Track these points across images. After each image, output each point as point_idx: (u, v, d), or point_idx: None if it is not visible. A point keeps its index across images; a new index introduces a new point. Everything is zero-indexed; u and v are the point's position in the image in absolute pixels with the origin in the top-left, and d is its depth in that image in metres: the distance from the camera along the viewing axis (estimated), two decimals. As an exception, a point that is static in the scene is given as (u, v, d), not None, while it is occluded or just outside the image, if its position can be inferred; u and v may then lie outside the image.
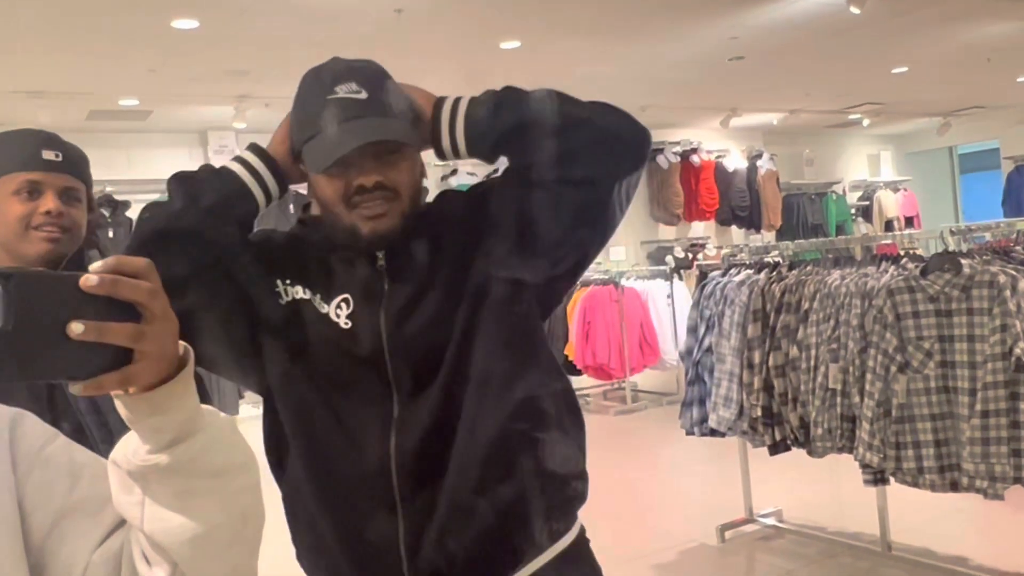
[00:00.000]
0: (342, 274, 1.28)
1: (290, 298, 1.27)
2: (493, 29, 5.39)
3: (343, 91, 1.19)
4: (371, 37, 5.22)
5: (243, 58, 5.35)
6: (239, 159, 1.31)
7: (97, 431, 1.32)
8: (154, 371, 0.72)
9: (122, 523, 0.82)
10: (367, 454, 1.22)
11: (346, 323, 1.25)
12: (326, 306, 1.26)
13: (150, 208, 1.27)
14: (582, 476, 1.33)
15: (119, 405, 0.74)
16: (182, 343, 0.76)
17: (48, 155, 1.42)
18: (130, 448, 0.76)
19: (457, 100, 1.28)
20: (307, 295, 1.27)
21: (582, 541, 1.35)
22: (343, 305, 1.25)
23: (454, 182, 8.51)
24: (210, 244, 1.23)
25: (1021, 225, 3.20)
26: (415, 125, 1.26)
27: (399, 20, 4.95)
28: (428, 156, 1.33)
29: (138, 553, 0.79)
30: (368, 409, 1.24)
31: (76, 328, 0.65)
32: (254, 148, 1.31)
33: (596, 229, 1.31)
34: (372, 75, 1.23)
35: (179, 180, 1.27)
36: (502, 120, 1.26)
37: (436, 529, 1.21)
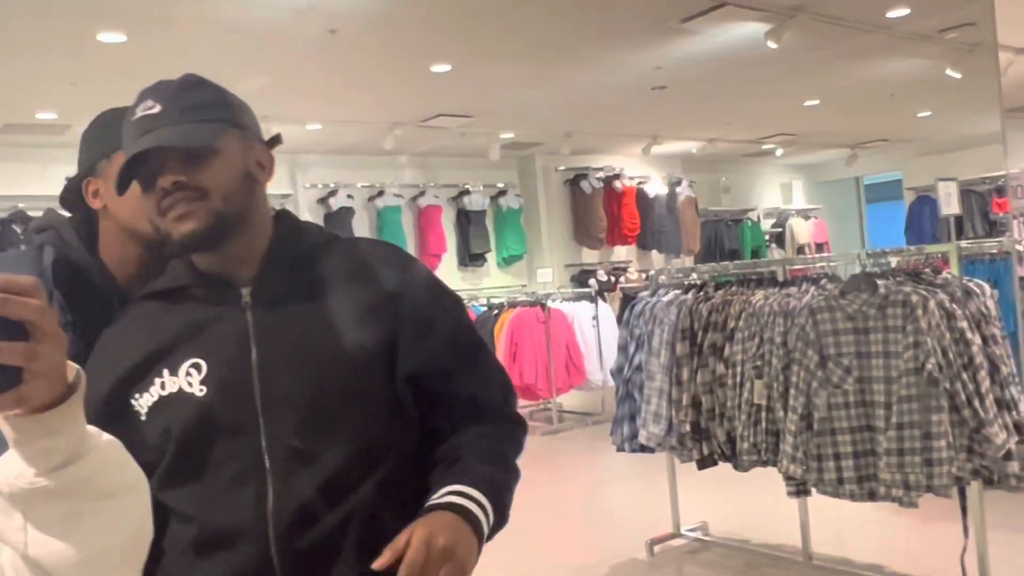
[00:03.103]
0: (187, 330, 1.18)
1: (154, 397, 1.16)
2: (424, 52, 5.45)
3: (140, 111, 1.17)
4: (304, 56, 5.22)
5: (171, 74, 5.24)
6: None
7: None
8: (46, 391, 0.70)
9: None
10: (244, 548, 1.10)
11: (201, 389, 1.13)
12: (175, 380, 1.14)
13: None
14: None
15: (4, 427, 0.72)
16: (72, 364, 0.74)
17: None
18: (12, 471, 0.73)
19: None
20: (160, 383, 1.16)
21: None
22: (192, 371, 1.15)
23: (380, 204, 8.51)
24: None
25: (930, 249, 3.40)
26: (226, 124, 1.19)
27: (332, 40, 4.96)
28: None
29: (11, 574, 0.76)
30: (235, 493, 1.11)
31: None
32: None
33: None
34: (174, 88, 1.19)
35: None
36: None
37: None
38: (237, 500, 1.11)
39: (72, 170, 1.43)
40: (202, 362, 1.15)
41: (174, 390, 1.14)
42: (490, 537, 1.13)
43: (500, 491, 1.16)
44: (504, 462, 1.21)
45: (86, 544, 0.74)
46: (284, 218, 1.29)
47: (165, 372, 1.15)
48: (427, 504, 1.11)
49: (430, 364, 1.20)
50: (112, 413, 1.14)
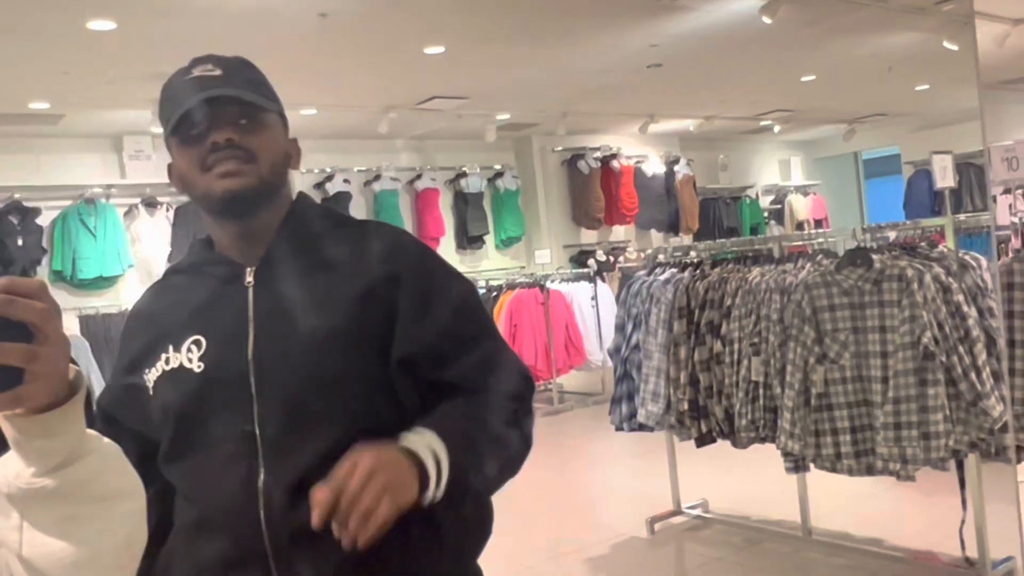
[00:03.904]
0: (195, 308, 1.21)
1: (158, 372, 1.20)
2: (417, 35, 5.41)
3: (198, 71, 1.20)
4: (295, 40, 5.19)
5: (162, 61, 5.22)
6: None
7: None
8: (46, 392, 0.71)
9: None
10: (236, 527, 1.12)
11: (199, 365, 1.16)
12: (178, 355, 1.18)
13: None
14: (484, 515, 1.25)
15: (5, 426, 0.73)
16: (73, 366, 0.75)
17: None
18: (10, 471, 0.74)
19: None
20: (165, 358, 1.19)
21: None
22: (193, 347, 1.18)
23: (377, 188, 8.48)
24: None
25: (927, 223, 3.40)
26: (276, 104, 1.25)
27: (323, 24, 4.93)
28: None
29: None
30: (228, 472, 1.13)
31: None
32: None
33: None
34: (232, 60, 1.23)
35: None
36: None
37: None
38: (230, 479, 1.13)
39: (66, 159, 1.45)
40: (202, 339, 1.17)
41: (175, 365, 1.17)
42: (450, 496, 1.08)
43: (466, 450, 1.12)
44: (486, 427, 1.17)
45: (80, 546, 0.75)
46: (300, 200, 1.30)
47: (170, 348, 1.19)
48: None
49: (423, 349, 1.18)
50: (131, 389, 1.20)
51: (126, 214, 7.16)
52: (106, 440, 0.82)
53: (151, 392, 1.19)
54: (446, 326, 1.21)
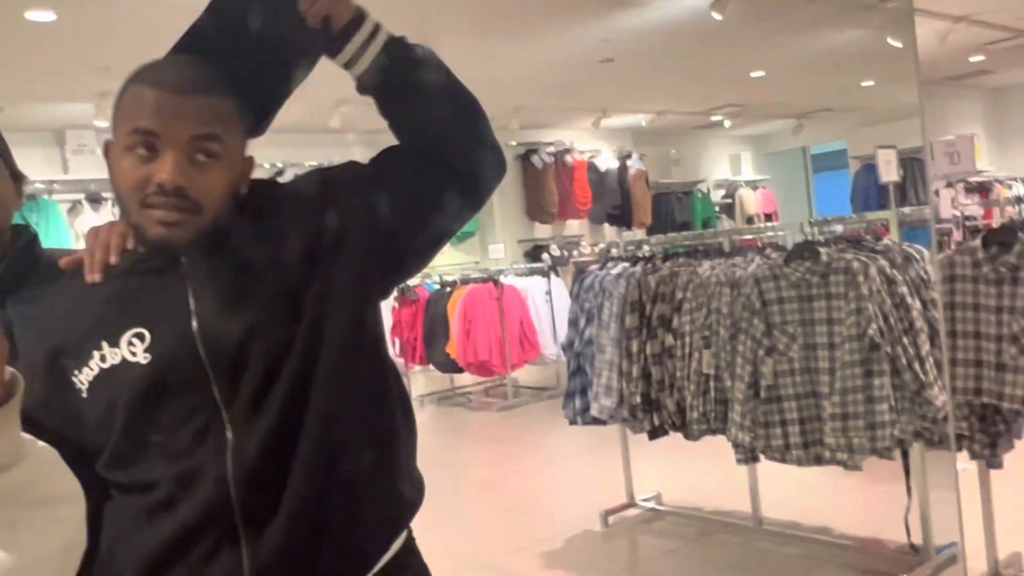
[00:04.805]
0: (126, 302, 1.16)
1: (94, 371, 1.13)
2: (368, 27, 5.37)
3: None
4: (243, 33, 5.10)
5: (106, 52, 5.11)
6: None
7: None
8: None
9: None
10: (203, 492, 1.11)
11: (145, 357, 1.12)
12: (117, 351, 1.12)
13: None
14: (416, 484, 1.27)
15: None
16: (10, 369, 0.74)
17: None
18: None
19: (376, 27, 1.23)
20: (100, 355, 1.13)
21: (410, 549, 1.28)
22: (135, 341, 1.12)
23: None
24: None
25: (872, 217, 3.46)
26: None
27: (272, 16, 4.86)
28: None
29: None
30: (198, 443, 1.11)
31: None
32: None
33: (451, 234, 1.29)
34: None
35: None
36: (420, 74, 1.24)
37: (281, 553, 1.11)
38: (199, 452, 1.11)
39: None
40: (145, 331, 1.12)
41: (116, 361, 1.12)
42: (395, 66, 1.23)
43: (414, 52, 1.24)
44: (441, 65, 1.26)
45: (17, 553, 0.73)
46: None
47: (104, 345, 1.13)
48: None
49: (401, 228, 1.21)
50: (51, 390, 1.13)
51: (70, 210, 6.99)
52: (41, 444, 0.80)
53: (85, 395, 1.14)
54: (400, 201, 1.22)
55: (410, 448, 1.27)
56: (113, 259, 1.17)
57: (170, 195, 1.10)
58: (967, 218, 4.41)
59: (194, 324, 1.12)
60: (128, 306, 1.15)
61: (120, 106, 1.16)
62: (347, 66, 1.22)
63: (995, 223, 3.48)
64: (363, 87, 1.24)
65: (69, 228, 6.92)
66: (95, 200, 7.03)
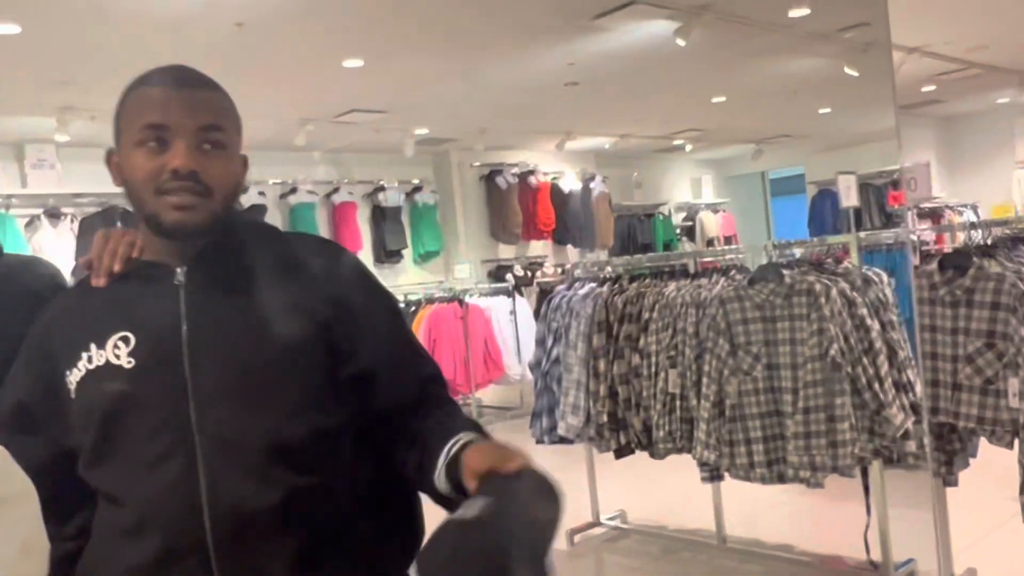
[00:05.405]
0: (120, 307, 1.19)
1: (81, 372, 1.16)
2: (336, 47, 5.37)
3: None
4: (210, 49, 5.08)
5: (69, 67, 5.06)
6: None
7: None
8: None
9: None
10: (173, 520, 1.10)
11: (128, 361, 1.14)
12: (102, 353, 1.15)
13: None
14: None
15: None
16: None
17: None
18: None
19: None
20: (87, 357, 1.16)
21: None
22: (120, 344, 1.14)
23: (293, 201, 8.36)
24: None
25: (832, 240, 3.55)
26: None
27: (240, 34, 4.85)
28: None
29: None
30: (162, 468, 1.10)
31: None
32: None
33: None
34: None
35: None
36: None
37: None
38: (165, 475, 1.09)
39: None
40: (130, 335, 1.15)
41: (101, 363, 1.14)
42: None
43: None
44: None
45: None
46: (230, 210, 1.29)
47: (92, 346, 1.15)
48: (446, 454, 1.13)
49: (374, 361, 1.21)
50: (53, 395, 1.16)
51: (27, 225, 6.86)
52: None
53: (73, 395, 1.15)
54: (389, 337, 1.27)
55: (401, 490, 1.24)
56: (118, 267, 1.21)
57: (184, 179, 1.14)
58: (922, 243, 4.54)
59: (184, 328, 1.14)
60: (119, 311, 1.18)
61: (125, 111, 1.19)
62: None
63: (947, 248, 3.58)
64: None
65: (27, 243, 6.79)
66: (53, 215, 6.91)
